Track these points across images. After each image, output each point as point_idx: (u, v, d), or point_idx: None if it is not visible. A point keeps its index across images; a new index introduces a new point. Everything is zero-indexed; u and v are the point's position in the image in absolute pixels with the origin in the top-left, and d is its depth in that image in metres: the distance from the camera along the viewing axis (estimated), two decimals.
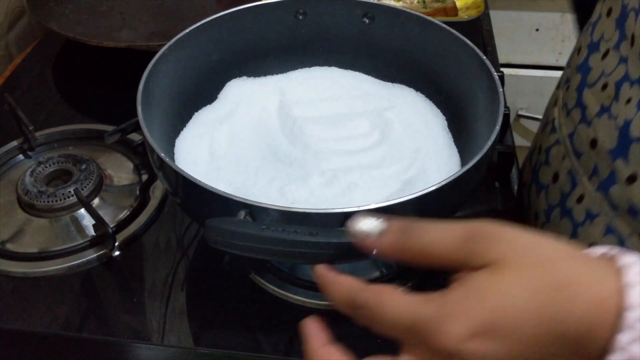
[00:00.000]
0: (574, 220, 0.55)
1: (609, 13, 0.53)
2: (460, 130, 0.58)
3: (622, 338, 0.28)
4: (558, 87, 0.66)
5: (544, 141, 0.64)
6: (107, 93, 0.82)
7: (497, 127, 0.47)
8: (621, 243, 0.48)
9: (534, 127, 1.33)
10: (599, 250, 0.32)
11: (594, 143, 0.52)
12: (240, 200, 0.42)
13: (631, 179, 0.47)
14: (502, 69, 1.26)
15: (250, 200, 0.42)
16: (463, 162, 0.56)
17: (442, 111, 0.61)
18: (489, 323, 0.29)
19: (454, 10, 0.79)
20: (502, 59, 1.27)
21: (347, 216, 0.40)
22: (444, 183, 0.43)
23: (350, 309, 0.34)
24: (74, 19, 0.82)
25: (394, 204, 0.42)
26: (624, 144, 0.48)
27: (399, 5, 0.79)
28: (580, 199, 0.54)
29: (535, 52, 1.26)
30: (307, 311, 0.55)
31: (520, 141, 1.36)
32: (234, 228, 0.39)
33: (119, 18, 0.84)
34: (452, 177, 0.43)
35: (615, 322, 0.28)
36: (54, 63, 0.89)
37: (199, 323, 0.55)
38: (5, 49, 0.94)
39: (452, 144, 0.58)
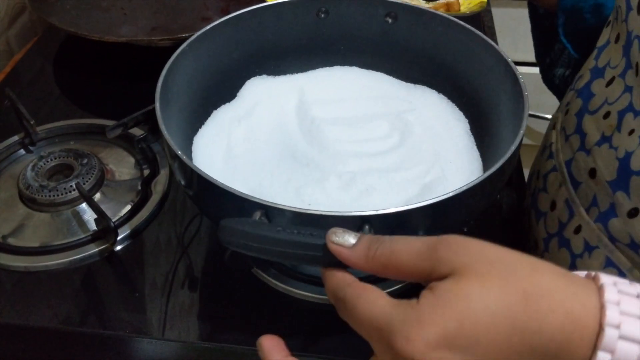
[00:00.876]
0: (572, 251, 0.53)
1: (617, 39, 0.51)
2: (483, 134, 0.57)
3: (604, 356, 0.27)
4: (558, 109, 0.64)
5: (542, 166, 0.62)
6: (108, 88, 0.82)
7: (522, 132, 0.46)
8: (622, 276, 0.47)
9: (535, 124, 1.33)
10: (582, 272, 0.31)
11: (593, 172, 0.50)
12: (256, 200, 0.41)
13: (632, 213, 0.46)
14: None
15: (266, 201, 0.41)
16: (485, 166, 0.55)
17: (464, 114, 0.60)
18: (457, 331, 0.28)
19: (457, 5, 0.79)
20: None
21: (364, 219, 0.40)
22: (464, 189, 0.42)
23: (333, 300, 0.34)
24: (75, 14, 0.82)
25: (412, 209, 0.41)
26: (624, 176, 0.46)
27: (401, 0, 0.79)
28: (577, 230, 0.52)
29: None
30: (309, 305, 0.54)
31: None
32: (249, 229, 0.38)
33: (120, 13, 0.84)
34: (474, 183, 0.42)
35: (596, 340, 0.27)
36: (54, 58, 0.89)
37: (201, 317, 0.55)
38: (6, 44, 0.94)
39: (474, 147, 0.57)
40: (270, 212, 0.41)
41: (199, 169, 0.44)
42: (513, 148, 0.45)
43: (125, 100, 0.78)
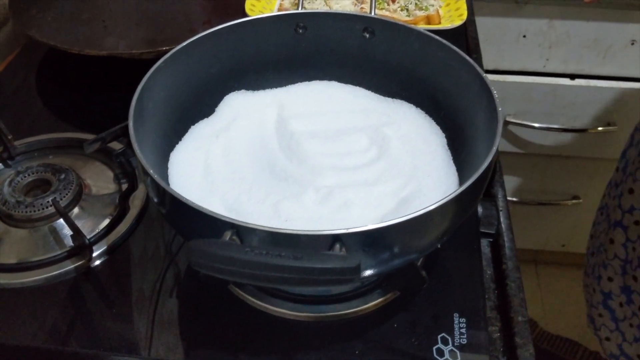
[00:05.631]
0: None
1: None
2: (460, 148, 0.58)
3: None
4: None
5: None
6: (90, 101, 0.82)
7: (494, 148, 0.47)
8: None
9: (522, 133, 1.33)
10: None
11: None
12: (227, 220, 0.41)
13: None
14: (489, 75, 1.26)
15: (237, 220, 0.41)
16: (462, 180, 0.55)
17: (442, 128, 0.60)
18: None
19: (437, 18, 0.79)
20: (489, 65, 1.27)
21: (335, 238, 0.40)
22: (439, 204, 0.42)
23: None
24: (56, 26, 0.82)
25: (383, 227, 0.41)
26: None
27: (382, 12, 0.79)
28: None
29: (522, 58, 1.26)
30: (286, 323, 0.54)
31: (508, 147, 1.36)
32: (217, 251, 0.38)
33: (101, 25, 0.83)
34: (448, 198, 0.42)
35: None
36: (37, 70, 0.88)
37: (178, 335, 0.54)
38: None
39: (451, 161, 0.57)
40: (242, 231, 0.41)
41: (169, 187, 0.44)
42: (486, 164, 0.45)
43: (108, 112, 0.78)
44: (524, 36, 1.23)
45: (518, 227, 1.56)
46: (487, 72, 1.28)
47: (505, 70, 1.27)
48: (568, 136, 1.31)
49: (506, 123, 1.31)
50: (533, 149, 1.35)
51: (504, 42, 1.24)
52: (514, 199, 1.43)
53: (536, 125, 1.29)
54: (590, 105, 1.26)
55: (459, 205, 0.45)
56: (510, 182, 1.42)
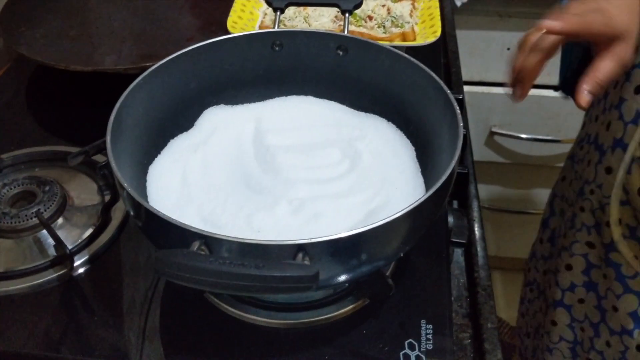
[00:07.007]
0: None
1: None
2: (427, 161, 0.60)
3: None
4: None
5: None
6: (78, 115, 0.84)
7: (454, 162, 0.49)
8: None
9: (508, 143, 1.35)
10: None
11: None
12: (195, 230, 0.43)
13: None
14: (474, 87, 1.28)
15: (205, 231, 0.43)
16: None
17: (411, 142, 0.63)
18: None
19: (412, 35, 0.81)
20: (475, 77, 1.30)
21: (299, 248, 0.43)
22: (396, 216, 0.44)
23: None
24: (44, 42, 0.84)
25: (348, 236, 0.43)
26: None
27: (359, 30, 0.81)
28: None
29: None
30: (259, 330, 0.56)
31: (495, 157, 1.38)
32: (181, 260, 0.40)
33: (87, 42, 0.86)
34: (405, 210, 0.45)
35: None
36: (27, 85, 0.90)
37: (155, 341, 0.56)
38: None
39: (419, 174, 0.60)
40: (209, 241, 0.43)
41: (143, 200, 0.46)
42: (445, 177, 0.47)
43: (95, 126, 0.79)
44: (508, 49, 1.25)
45: (506, 237, 1.58)
46: (473, 83, 1.31)
47: (491, 82, 1.30)
48: (553, 146, 1.33)
49: (492, 134, 1.33)
50: (519, 159, 1.37)
51: (488, 55, 1.27)
52: (501, 209, 1.45)
53: (522, 135, 1.31)
54: (574, 116, 1.28)
55: (418, 216, 0.47)
56: (497, 191, 1.44)
